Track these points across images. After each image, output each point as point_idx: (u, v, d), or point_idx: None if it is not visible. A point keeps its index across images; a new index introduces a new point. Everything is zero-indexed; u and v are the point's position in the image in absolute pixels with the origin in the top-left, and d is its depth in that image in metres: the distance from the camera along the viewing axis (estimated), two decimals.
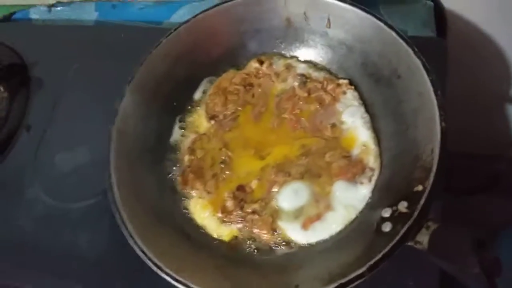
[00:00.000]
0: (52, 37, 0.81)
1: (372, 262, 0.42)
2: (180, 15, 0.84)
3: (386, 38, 0.54)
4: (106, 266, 0.59)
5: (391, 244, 0.42)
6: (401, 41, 0.52)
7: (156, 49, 0.58)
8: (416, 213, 0.43)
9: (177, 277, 0.46)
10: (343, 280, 0.42)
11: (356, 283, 0.42)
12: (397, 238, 0.42)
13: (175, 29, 0.59)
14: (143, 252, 0.48)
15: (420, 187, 0.45)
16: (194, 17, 0.59)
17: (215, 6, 0.60)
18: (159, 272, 0.46)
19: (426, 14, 0.72)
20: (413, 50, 0.51)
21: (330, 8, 0.57)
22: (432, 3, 0.72)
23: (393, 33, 0.53)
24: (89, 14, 0.90)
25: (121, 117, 0.56)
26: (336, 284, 0.42)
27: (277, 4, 0.59)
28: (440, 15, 0.73)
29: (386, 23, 0.53)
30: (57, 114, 0.72)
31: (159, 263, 0.47)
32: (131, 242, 0.49)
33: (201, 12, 0.59)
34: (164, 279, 0.46)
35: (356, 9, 0.55)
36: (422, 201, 0.43)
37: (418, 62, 0.50)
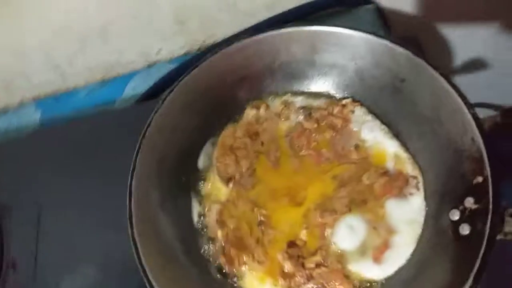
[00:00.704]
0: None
1: (474, 270, 0.39)
2: (133, 87, 0.78)
3: (377, 48, 0.53)
4: None
5: (483, 245, 0.40)
6: (394, 46, 0.52)
7: (150, 128, 0.52)
8: (491, 204, 0.41)
9: None
10: None
11: None
12: (486, 235, 0.40)
13: (163, 101, 0.53)
14: None
15: (479, 178, 0.44)
16: (177, 84, 0.54)
17: (195, 67, 0.55)
18: None
19: (372, 17, 0.74)
20: (411, 50, 0.51)
21: (314, 36, 0.55)
22: (374, 5, 0.75)
23: (384, 41, 0.52)
24: (30, 115, 0.81)
25: (136, 216, 0.48)
26: None
27: (260, 48, 0.56)
28: (382, 15, 0.77)
29: (373, 34, 0.53)
30: (42, 239, 0.61)
31: None
32: None
33: (183, 77, 0.55)
34: None
35: (339, 30, 0.54)
36: (490, 190, 0.42)
37: (419, 61, 0.50)
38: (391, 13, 0.77)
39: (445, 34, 0.83)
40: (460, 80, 0.92)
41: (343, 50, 0.55)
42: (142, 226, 0.47)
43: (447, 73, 0.49)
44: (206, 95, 0.56)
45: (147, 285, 0.44)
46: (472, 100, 0.91)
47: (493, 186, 0.42)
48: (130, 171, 0.50)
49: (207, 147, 0.58)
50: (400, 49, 0.51)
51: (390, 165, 0.53)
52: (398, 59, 0.52)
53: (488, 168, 0.43)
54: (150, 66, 0.81)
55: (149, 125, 0.52)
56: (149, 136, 0.52)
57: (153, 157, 0.52)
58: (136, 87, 0.79)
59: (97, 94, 0.81)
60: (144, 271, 0.44)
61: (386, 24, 0.76)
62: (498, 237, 0.41)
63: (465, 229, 0.43)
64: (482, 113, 1.02)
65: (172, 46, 0.79)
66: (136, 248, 0.46)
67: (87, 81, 0.83)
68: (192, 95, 0.55)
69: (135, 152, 0.51)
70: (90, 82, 0.83)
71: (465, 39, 0.85)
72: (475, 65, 0.90)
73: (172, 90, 0.53)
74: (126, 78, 0.80)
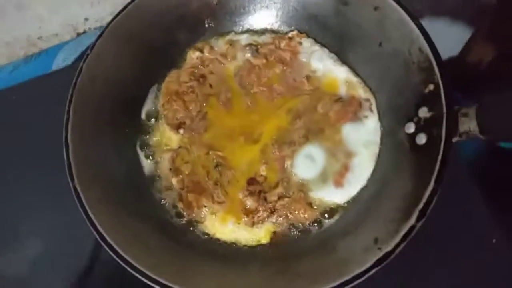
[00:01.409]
0: None
1: (435, 173, 0.39)
2: (62, 60, 0.72)
3: None
4: None
5: (441, 148, 0.40)
6: None
7: (80, 78, 0.47)
8: (444, 107, 0.41)
9: None
10: (419, 206, 0.38)
11: (433, 201, 0.38)
12: (443, 140, 0.40)
13: (91, 48, 0.48)
14: None
15: (431, 86, 0.43)
16: (106, 28, 0.49)
17: (124, 8, 0.50)
18: None
19: None
20: None
21: None
22: None
23: None
24: None
25: (77, 169, 0.43)
26: (416, 212, 0.38)
27: None
28: None
29: None
30: None
31: None
32: None
33: (112, 20, 0.50)
34: None
35: None
36: (442, 95, 0.42)
37: None
38: None
39: None
40: None
41: None
42: (86, 181, 0.43)
43: None
44: (141, 39, 0.52)
45: (102, 243, 0.40)
46: None
47: (444, 90, 0.42)
48: (64, 124, 0.45)
49: (150, 97, 0.54)
50: None
51: (342, 91, 0.52)
52: None
53: (438, 74, 0.43)
54: (79, 36, 0.75)
55: (79, 74, 0.47)
56: (80, 87, 0.47)
57: (88, 109, 0.47)
58: (66, 59, 0.72)
59: (23, 71, 0.73)
60: (98, 231, 0.40)
61: None
62: (455, 139, 0.41)
63: (422, 138, 0.43)
64: None
65: (99, 14, 0.73)
66: (82, 205, 0.41)
67: (9, 58, 0.75)
68: (125, 40, 0.51)
69: (67, 103, 0.46)
70: (12, 59, 0.75)
71: None
72: None
73: (100, 35, 0.49)
74: (54, 50, 0.74)
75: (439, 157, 0.39)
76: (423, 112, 0.44)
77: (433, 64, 0.43)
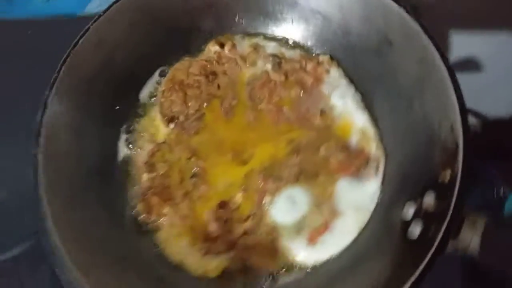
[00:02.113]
0: None
1: (416, 275, 0.33)
2: (98, 5, 0.68)
3: (370, 1, 0.45)
4: None
5: (431, 251, 0.34)
6: (390, 2, 0.43)
7: (84, 38, 0.43)
8: (452, 205, 0.35)
9: None
10: None
11: None
12: (437, 241, 0.34)
13: (105, 11, 0.44)
14: None
15: (448, 173, 0.37)
16: None
17: None
18: None
19: None
20: (406, 10, 0.43)
21: None
22: None
23: None
24: None
25: (46, 135, 0.40)
26: None
27: None
28: None
29: None
30: None
31: None
32: None
33: None
34: None
35: None
36: (456, 189, 0.36)
37: (413, 24, 0.42)
38: None
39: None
40: None
41: None
42: (50, 144, 0.40)
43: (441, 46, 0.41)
44: (162, 17, 0.48)
45: (45, 213, 0.38)
46: None
47: (461, 183, 0.36)
48: (50, 83, 0.42)
49: (154, 78, 0.50)
50: (395, 7, 0.43)
51: (353, 140, 0.46)
52: (391, 18, 0.44)
53: (460, 164, 0.37)
54: None
55: (83, 35, 0.43)
56: (82, 49, 0.44)
57: (83, 73, 0.44)
58: (101, 5, 0.69)
59: (54, 5, 0.71)
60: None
61: None
62: (449, 247, 0.35)
63: (416, 229, 0.37)
64: None
65: None
66: (37, 169, 0.39)
67: None
68: (144, 14, 0.47)
69: (61, 62, 0.42)
70: None
71: (462, 37, 0.77)
72: (467, 65, 0.82)
73: (118, 0, 0.44)
74: None
75: (424, 262, 0.34)
76: (430, 199, 0.38)
77: (459, 149, 0.37)
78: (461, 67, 0.81)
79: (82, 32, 0.43)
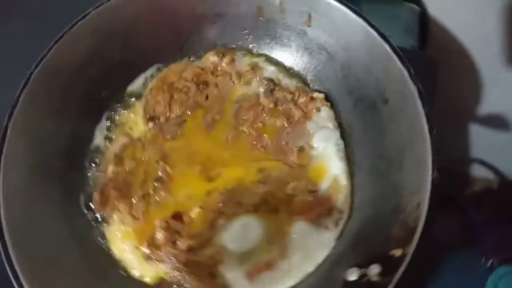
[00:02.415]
0: None
1: None
2: None
3: (377, 50, 0.43)
4: None
5: None
6: (395, 58, 0.42)
7: (82, 22, 0.43)
8: (392, 284, 0.34)
9: None
10: None
11: None
12: None
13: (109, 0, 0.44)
14: None
15: (398, 251, 0.36)
16: None
17: None
18: None
19: (410, 20, 0.63)
20: (409, 72, 0.41)
21: (312, 2, 0.45)
22: (419, 9, 0.64)
23: (387, 47, 0.42)
24: None
25: (21, 109, 0.41)
26: None
27: None
28: (423, 23, 0.65)
29: (379, 32, 0.43)
30: None
31: None
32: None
33: None
34: None
35: (344, 9, 0.44)
36: (399, 272, 0.35)
37: (413, 88, 0.40)
38: (437, 27, 0.65)
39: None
40: (474, 128, 0.82)
41: (340, 34, 0.45)
42: (23, 119, 0.41)
43: (432, 115, 0.39)
44: (167, 16, 0.47)
45: None
46: (476, 153, 0.81)
47: (406, 268, 0.35)
48: (38, 59, 0.42)
49: (148, 73, 0.50)
50: (398, 64, 0.41)
51: (323, 186, 0.45)
52: (392, 74, 0.42)
53: (413, 246, 0.35)
54: None
55: (81, 19, 0.43)
56: (77, 32, 0.44)
57: (73, 56, 0.44)
58: None
59: None
60: None
61: (423, 35, 0.65)
62: None
63: None
64: (480, 171, 0.93)
65: None
66: (3, 141, 0.39)
67: None
68: (150, 9, 0.46)
69: (53, 41, 0.42)
70: None
71: (495, 92, 0.75)
72: (496, 121, 0.79)
73: None
74: None
75: None
76: (374, 271, 0.37)
77: (417, 230, 0.36)
78: (490, 122, 0.79)
79: (81, 16, 0.43)
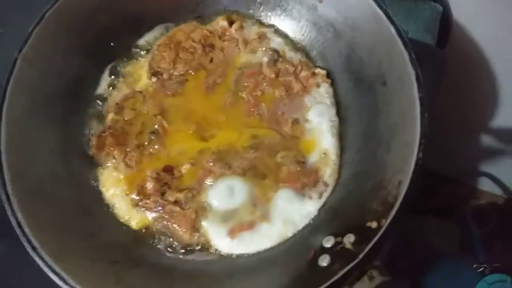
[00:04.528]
0: None
1: None
2: None
3: (382, 32, 0.43)
4: None
5: (327, 283, 0.35)
6: (398, 40, 0.42)
7: None
8: (361, 255, 0.36)
9: (54, 267, 0.36)
10: None
11: None
12: (333, 279, 0.35)
13: None
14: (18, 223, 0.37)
15: (374, 224, 0.37)
16: None
17: None
18: (31, 252, 0.36)
19: (431, 18, 0.63)
20: (410, 56, 0.41)
21: None
22: (441, 9, 0.63)
23: (392, 29, 0.43)
24: None
25: (33, 43, 0.42)
26: None
27: None
28: (445, 24, 0.65)
29: (387, 15, 0.43)
30: None
31: (34, 241, 0.36)
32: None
33: None
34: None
35: None
36: (372, 242, 0.36)
37: (411, 72, 0.41)
38: (460, 31, 0.65)
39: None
40: (486, 141, 0.82)
41: (348, 12, 0.46)
42: (33, 53, 0.42)
43: (427, 100, 0.40)
44: None
45: None
46: (485, 167, 0.81)
47: (379, 238, 0.36)
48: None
49: (158, 30, 0.51)
50: (400, 46, 0.42)
51: (312, 158, 0.46)
52: (393, 56, 0.43)
53: (389, 220, 0.37)
54: None
55: None
56: None
57: (89, 4, 0.45)
58: None
59: None
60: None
61: (444, 34, 0.65)
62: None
63: (324, 261, 0.38)
64: (487, 185, 0.93)
65: None
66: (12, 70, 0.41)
67: None
68: None
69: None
70: None
71: (509, 103, 0.74)
72: (509, 136, 0.79)
73: None
74: None
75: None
76: (348, 240, 0.38)
77: (395, 206, 0.37)
78: (502, 136, 0.79)
79: None
